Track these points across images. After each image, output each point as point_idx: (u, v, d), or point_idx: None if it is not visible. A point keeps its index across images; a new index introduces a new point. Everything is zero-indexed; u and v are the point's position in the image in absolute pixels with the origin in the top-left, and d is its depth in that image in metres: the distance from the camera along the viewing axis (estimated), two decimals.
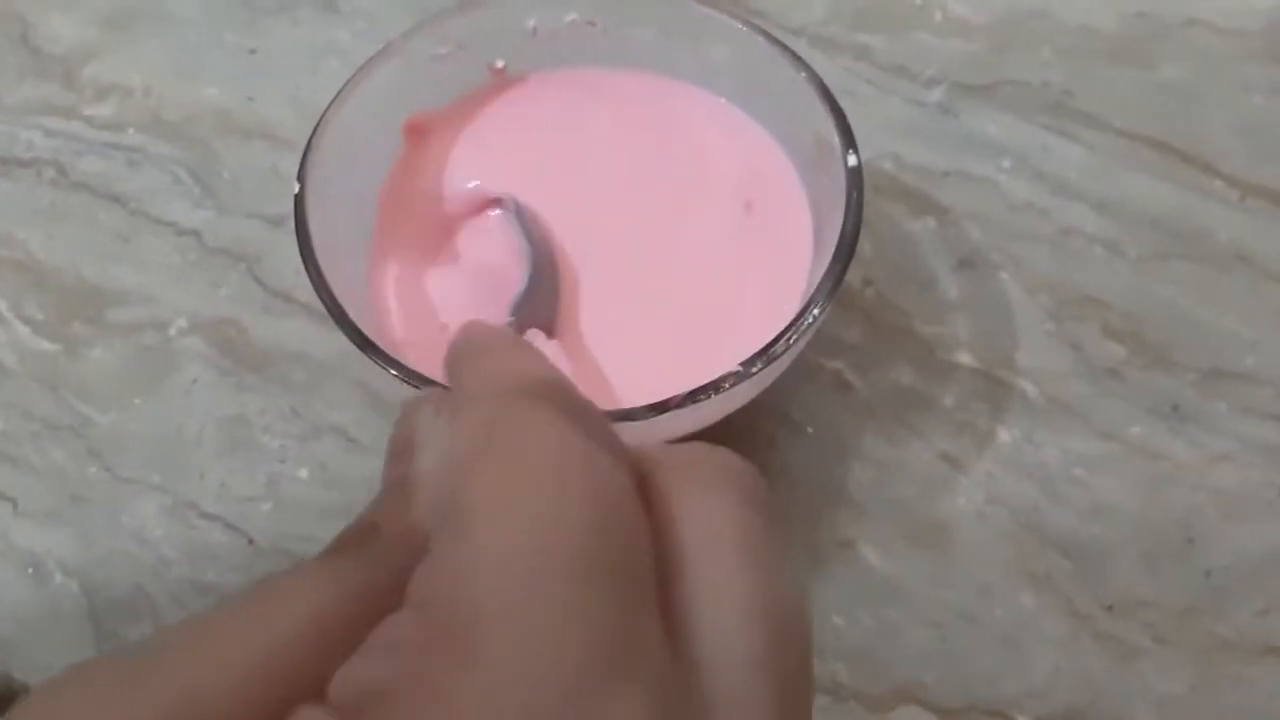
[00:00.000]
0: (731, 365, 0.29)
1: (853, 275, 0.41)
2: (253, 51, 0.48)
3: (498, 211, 0.37)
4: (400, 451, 0.19)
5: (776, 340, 0.30)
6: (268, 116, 0.46)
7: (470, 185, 0.37)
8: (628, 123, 0.38)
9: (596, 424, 0.17)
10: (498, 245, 0.36)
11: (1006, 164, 0.43)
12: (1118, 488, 0.37)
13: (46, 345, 0.42)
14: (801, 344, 0.30)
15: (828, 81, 0.45)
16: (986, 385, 0.39)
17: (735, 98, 0.37)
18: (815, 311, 0.30)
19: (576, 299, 0.35)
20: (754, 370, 0.29)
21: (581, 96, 0.37)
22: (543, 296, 0.35)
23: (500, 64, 0.38)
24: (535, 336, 0.33)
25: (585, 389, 0.18)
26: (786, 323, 0.30)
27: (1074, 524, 0.36)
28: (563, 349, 0.34)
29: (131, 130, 0.46)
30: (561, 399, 0.17)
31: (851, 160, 0.32)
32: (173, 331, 0.41)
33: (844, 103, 0.44)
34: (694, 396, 0.29)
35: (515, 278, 0.35)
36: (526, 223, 0.36)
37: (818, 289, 0.30)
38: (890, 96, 0.45)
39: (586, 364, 0.33)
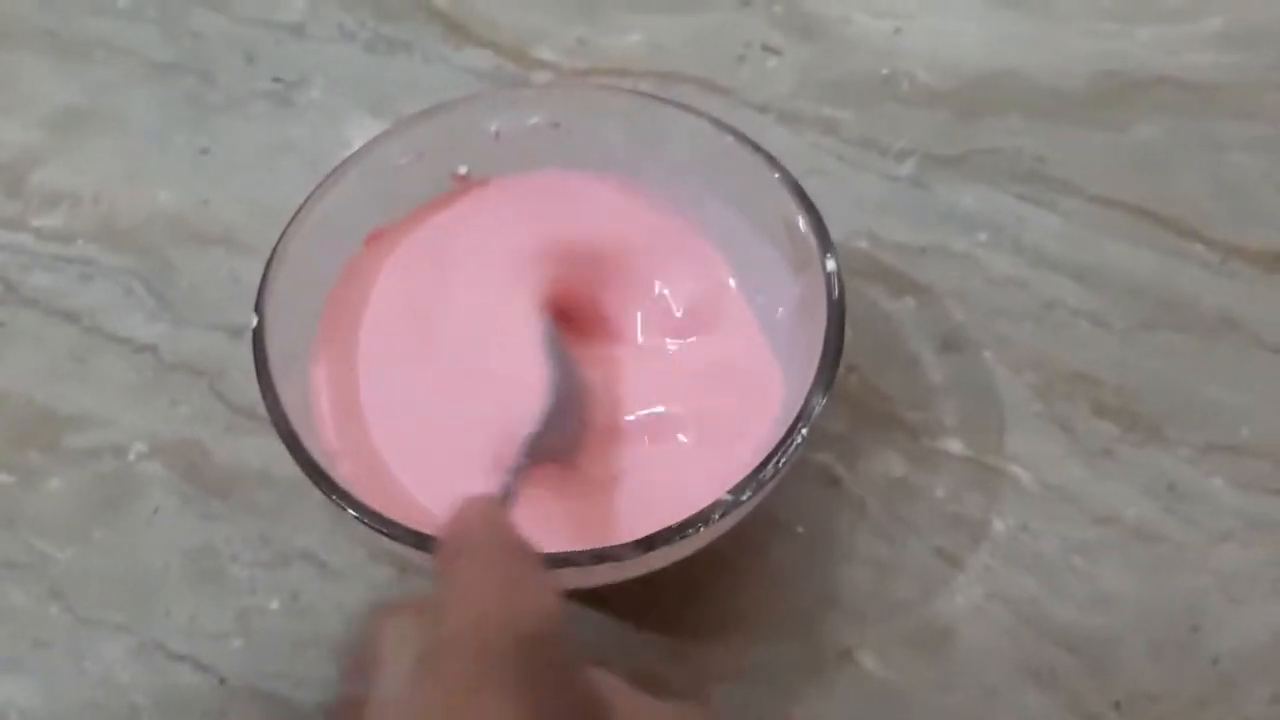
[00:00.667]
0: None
1: None
2: (205, 151, 0.47)
3: (527, 326, 0.34)
4: (365, 660, 0.19)
5: (765, 464, 0.28)
6: (224, 219, 0.45)
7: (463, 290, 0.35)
8: (585, 226, 0.36)
9: (566, 697, 0.16)
10: (504, 354, 0.34)
11: (983, 237, 0.43)
12: (1119, 574, 0.36)
13: (1, 477, 0.40)
14: (790, 464, 0.29)
15: (796, 159, 0.44)
16: (978, 473, 0.38)
17: (702, 200, 0.36)
18: (804, 431, 0.29)
19: None
20: (744, 498, 0.28)
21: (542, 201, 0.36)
22: (563, 424, 0.32)
23: (464, 170, 0.37)
24: (550, 473, 0.31)
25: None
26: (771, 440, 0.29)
27: (1076, 616, 0.35)
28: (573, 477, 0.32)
29: (81, 241, 0.45)
30: (538, 667, 0.16)
31: (830, 265, 0.31)
32: (132, 456, 0.40)
33: (814, 181, 0.43)
34: (682, 531, 0.27)
35: (524, 395, 0.33)
36: (555, 345, 0.34)
37: (806, 404, 0.29)
38: (861, 172, 0.45)
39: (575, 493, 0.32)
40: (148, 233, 0.45)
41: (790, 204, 0.32)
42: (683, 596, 0.36)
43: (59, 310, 0.43)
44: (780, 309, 0.34)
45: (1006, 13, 0.49)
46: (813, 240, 0.32)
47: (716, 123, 0.34)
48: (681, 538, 0.27)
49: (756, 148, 0.33)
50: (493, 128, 0.36)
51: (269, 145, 0.47)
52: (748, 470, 0.28)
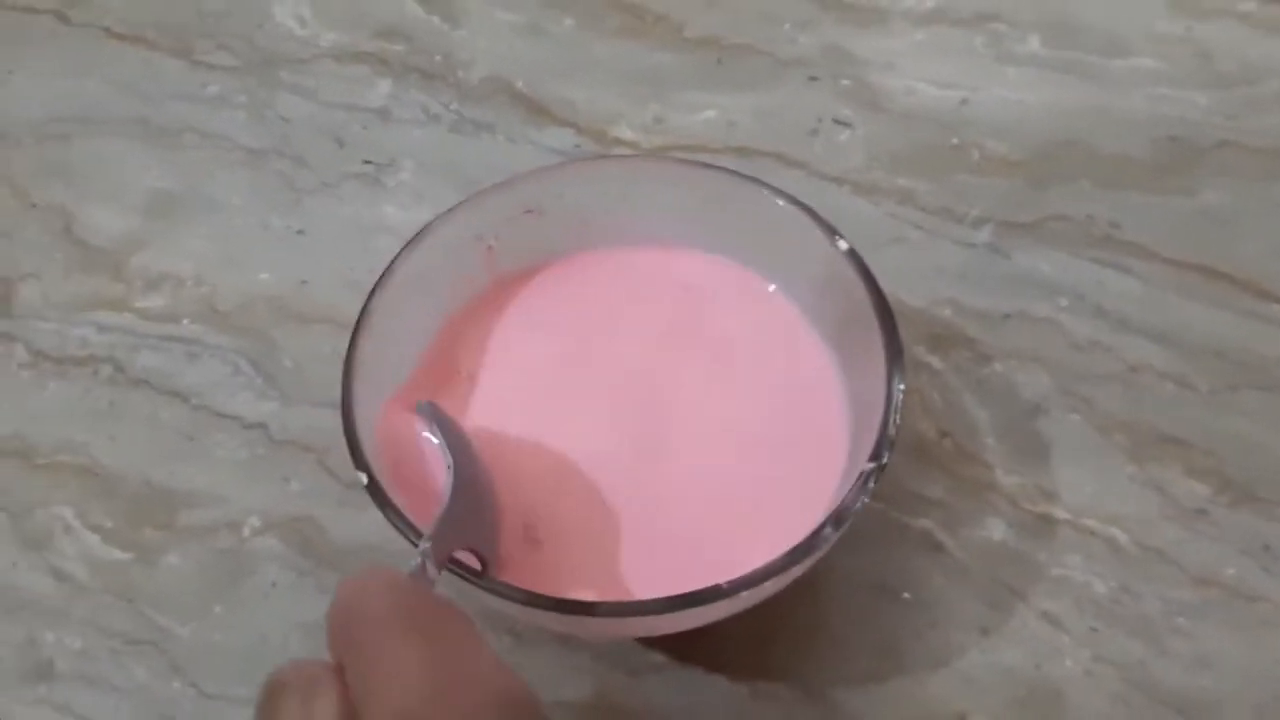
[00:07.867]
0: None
1: (928, 427, 0.41)
2: (300, 232, 0.49)
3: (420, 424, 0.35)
4: None
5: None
6: (324, 299, 0.46)
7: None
8: (648, 301, 0.39)
9: None
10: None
11: (1064, 302, 0.44)
12: (1221, 635, 0.37)
13: (119, 554, 0.41)
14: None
15: (876, 229, 0.46)
16: (1076, 536, 0.39)
17: (766, 270, 0.39)
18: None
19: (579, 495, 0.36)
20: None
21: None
22: (470, 513, 0.32)
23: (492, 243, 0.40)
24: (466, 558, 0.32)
25: None
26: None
27: (1183, 678, 0.36)
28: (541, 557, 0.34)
29: (186, 321, 0.46)
30: None
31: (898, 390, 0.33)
32: (246, 532, 0.41)
33: (895, 250, 0.45)
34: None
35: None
36: (447, 432, 0.34)
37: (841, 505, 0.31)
38: (940, 239, 0.46)
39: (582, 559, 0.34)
40: (249, 313, 0.46)
41: (855, 281, 0.35)
42: (793, 660, 0.37)
43: (168, 389, 0.45)
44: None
45: (1066, 79, 0.50)
46: (875, 317, 0.34)
47: (791, 199, 0.37)
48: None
49: (827, 225, 0.36)
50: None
51: (361, 225, 0.48)
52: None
